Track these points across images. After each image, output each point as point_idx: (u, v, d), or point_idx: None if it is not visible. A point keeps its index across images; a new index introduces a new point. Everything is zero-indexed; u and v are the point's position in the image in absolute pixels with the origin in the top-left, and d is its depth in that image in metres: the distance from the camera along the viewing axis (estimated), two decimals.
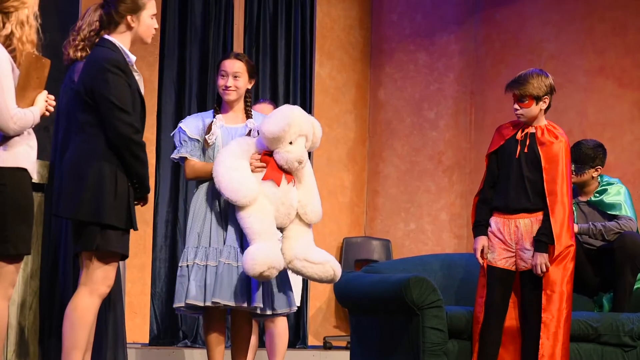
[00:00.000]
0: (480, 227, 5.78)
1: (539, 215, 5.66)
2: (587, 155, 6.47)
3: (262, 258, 4.96)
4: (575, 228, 6.37)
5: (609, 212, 6.48)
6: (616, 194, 6.50)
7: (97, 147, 4.60)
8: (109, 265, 4.62)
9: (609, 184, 6.55)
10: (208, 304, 5.15)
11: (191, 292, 5.16)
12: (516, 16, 9.52)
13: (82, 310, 4.57)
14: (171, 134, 5.62)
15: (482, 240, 5.74)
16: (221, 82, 5.40)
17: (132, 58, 4.78)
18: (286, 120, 5.11)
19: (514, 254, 5.69)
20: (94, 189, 4.56)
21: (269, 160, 5.18)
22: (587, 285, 6.49)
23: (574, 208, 6.52)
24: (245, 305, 5.14)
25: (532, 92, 5.65)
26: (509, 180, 5.70)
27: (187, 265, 5.22)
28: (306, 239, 5.26)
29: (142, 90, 4.80)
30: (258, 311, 5.23)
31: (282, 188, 5.16)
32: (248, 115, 5.44)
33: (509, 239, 5.69)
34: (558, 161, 5.65)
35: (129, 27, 4.77)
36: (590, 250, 6.46)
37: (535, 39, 9.38)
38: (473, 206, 5.89)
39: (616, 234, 6.38)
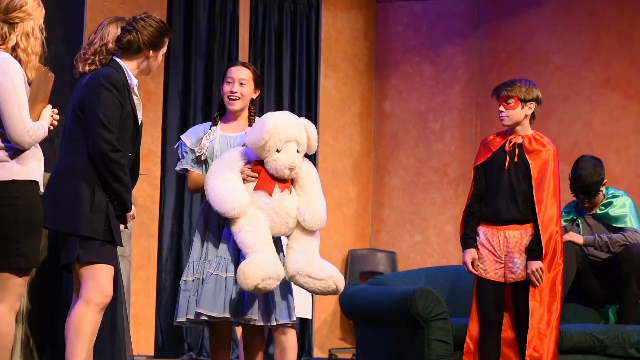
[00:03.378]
0: (468, 239, 5.71)
1: (528, 228, 5.60)
2: (595, 184, 6.40)
3: (253, 271, 4.85)
4: (581, 240, 6.36)
5: (614, 225, 6.46)
6: (622, 207, 6.48)
7: (78, 162, 4.62)
8: (99, 276, 4.59)
9: (615, 196, 6.53)
10: (190, 316, 5.06)
11: (191, 306, 5.08)
12: (522, 28, 9.52)
13: (77, 321, 4.56)
14: (175, 146, 5.59)
15: (471, 253, 5.68)
16: (227, 88, 5.27)
17: (134, 81, 4.79)
18: (265, 129, 4.98)
19: (503, 266, 5.65)
20: (70, 202, 4.58)
21: (260, 169, 5.06)
22: (593, 297, 6.48)
23: (579, 221, 6.53)
24: (228, 316, 5.02)
25: (519, 94, 5.65)
26: (498, 192, 5.65)
27: (193, 280, 5.13)
28: (310, 250, 5.12)
29: (140, 115, 4.79)
30: (256, 323, 5.11)
31: (275, 197, 5.04)
32: (251, 124, 5.30)
33: (498, 250, 5.64)
34: (546, 169, 5.61)
35: (146, 59, 4.81)
36: (596, 262, 6.45)
37: (541, 51, 9.38)
38: (461, 220, 5.85)
39: (622, 246, 6.36)
